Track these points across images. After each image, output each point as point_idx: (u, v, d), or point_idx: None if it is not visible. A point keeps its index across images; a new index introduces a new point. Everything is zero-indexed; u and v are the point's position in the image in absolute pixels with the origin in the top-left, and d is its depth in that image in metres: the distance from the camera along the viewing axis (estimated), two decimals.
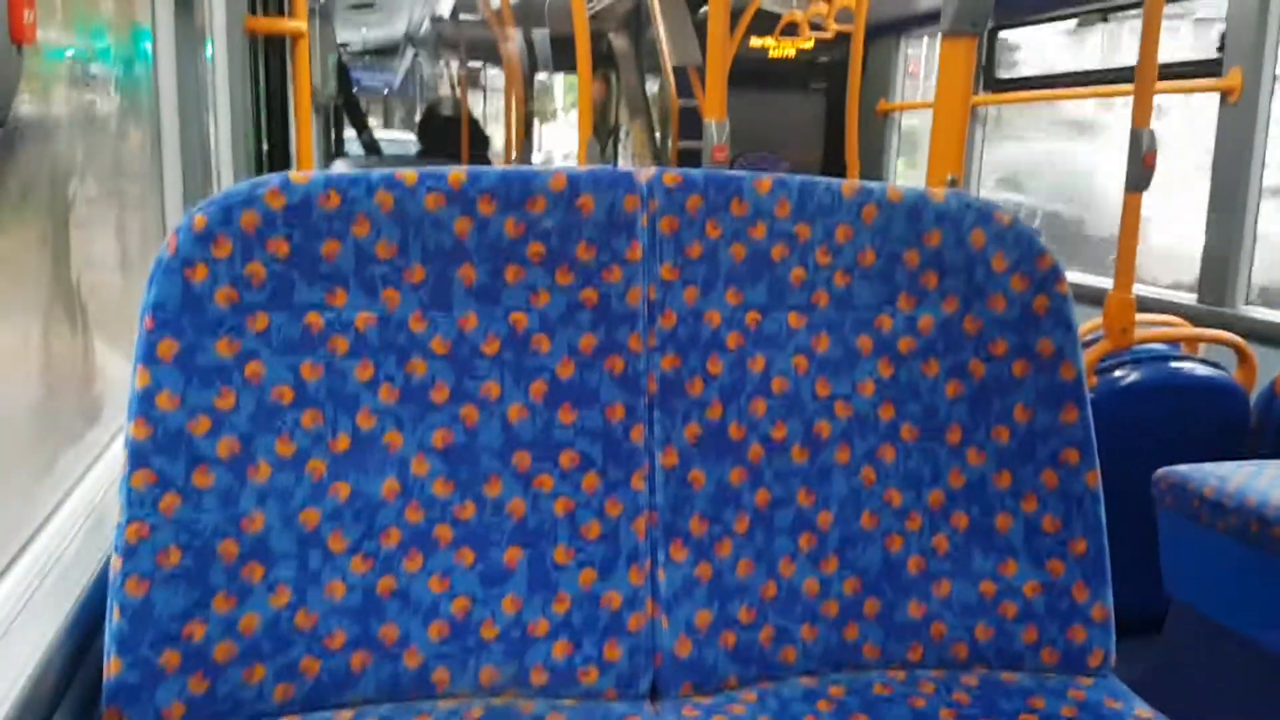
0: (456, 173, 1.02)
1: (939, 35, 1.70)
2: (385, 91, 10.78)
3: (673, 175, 1.08)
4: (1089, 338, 2.87)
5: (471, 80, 9.08)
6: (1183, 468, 2.13)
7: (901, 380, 1.14)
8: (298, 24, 2.63)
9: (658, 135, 7.28)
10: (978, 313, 1.14)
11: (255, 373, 0.98)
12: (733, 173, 1.11)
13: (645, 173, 1.08)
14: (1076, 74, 4.47)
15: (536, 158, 9.47)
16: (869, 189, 1.13)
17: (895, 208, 1.12)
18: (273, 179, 0.98)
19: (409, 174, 1.02)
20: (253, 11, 2.54)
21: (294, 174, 0.99)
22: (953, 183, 1.56)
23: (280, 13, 2.98)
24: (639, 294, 1.07)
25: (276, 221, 0.97)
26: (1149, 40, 2.39)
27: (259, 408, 0.98)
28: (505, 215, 1.03)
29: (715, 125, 2.43)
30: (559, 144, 12.52)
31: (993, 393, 1.15)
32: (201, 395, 0.96)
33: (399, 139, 8.63)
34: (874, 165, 5.95)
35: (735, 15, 5.39)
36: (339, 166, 6.70)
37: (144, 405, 0.95)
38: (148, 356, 0.95)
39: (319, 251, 0.98)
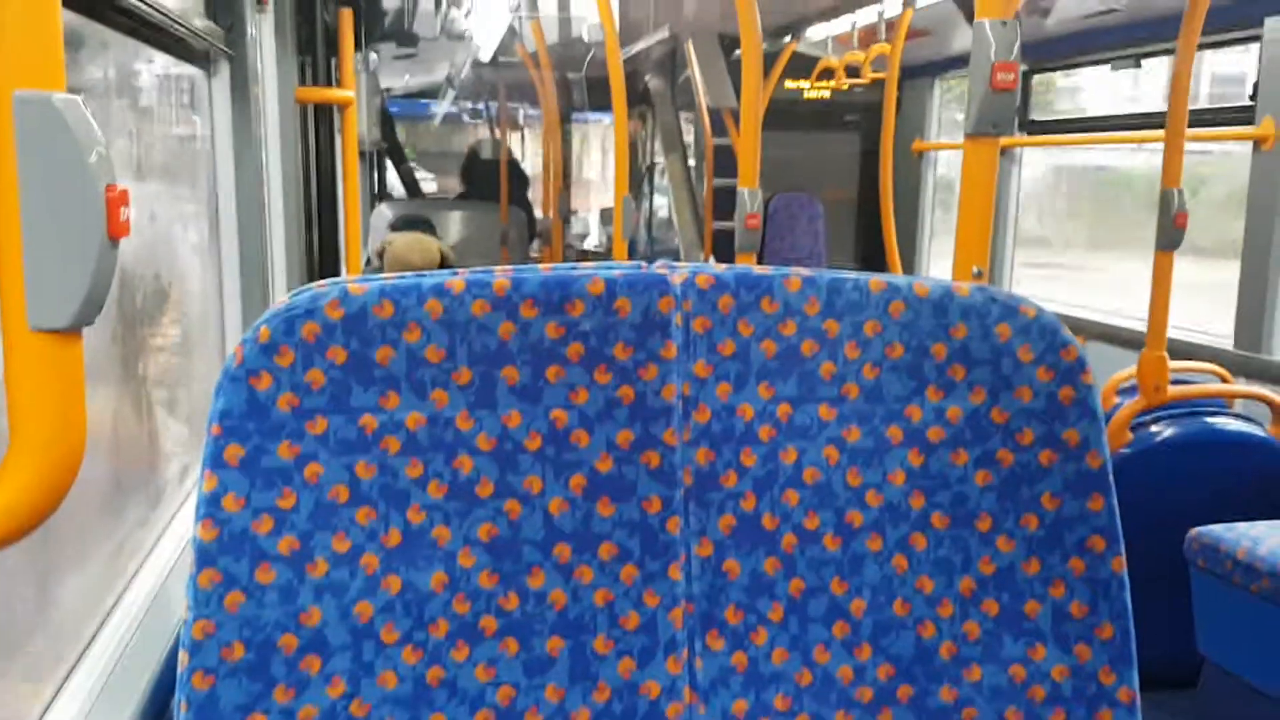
0: (501, 280, 1.07)
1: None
2: (427, 120, 10.88)
3: (706, 276, 1.12)
4: (1124, 386, 2.87)
5: (511, 122, 9.19)
6: (1215, 528, 2.14)
7: (932, 469, 1.17)
8: (346, 94, 2.72)
9: (692, 171, 7.35)
10: (1005, 404, 1.16)
11: (314, 473, 1.03)
12: (763, 272, 1.15)
13: (679, 275, 1.12)
14: (1112, 118, 4.48)
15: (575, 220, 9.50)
16: (896, 286, 1.17)
17: (922, 303, 1.16)
18: (332, 291, 1.04)
19: (457, 282, 1.07)
20: (302, 81, 2.64)
21: (352, 285, 1.05)
22: (978, 275, 1.60)
23: (329, 80, 3.07)
24: (674, 391, 1.11)
25: (335, 331, 1.03)
26: (1178, 96, 2.39)
27: (317, 506, 1.03)
28: (546, 319, 1.07)
29: (748, 194, 2.46)
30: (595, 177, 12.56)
31: (1021, 481, 1.17)
32: (264, 496, 1.01)
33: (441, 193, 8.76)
34: (910, 204, 5.95)
35: (770, 59, 5.45)
36: (383, 209, 6.83)
37: (211, 508, 1.00)
38: (215, 462, 1.00)
39: (374, 357, 1.04)
